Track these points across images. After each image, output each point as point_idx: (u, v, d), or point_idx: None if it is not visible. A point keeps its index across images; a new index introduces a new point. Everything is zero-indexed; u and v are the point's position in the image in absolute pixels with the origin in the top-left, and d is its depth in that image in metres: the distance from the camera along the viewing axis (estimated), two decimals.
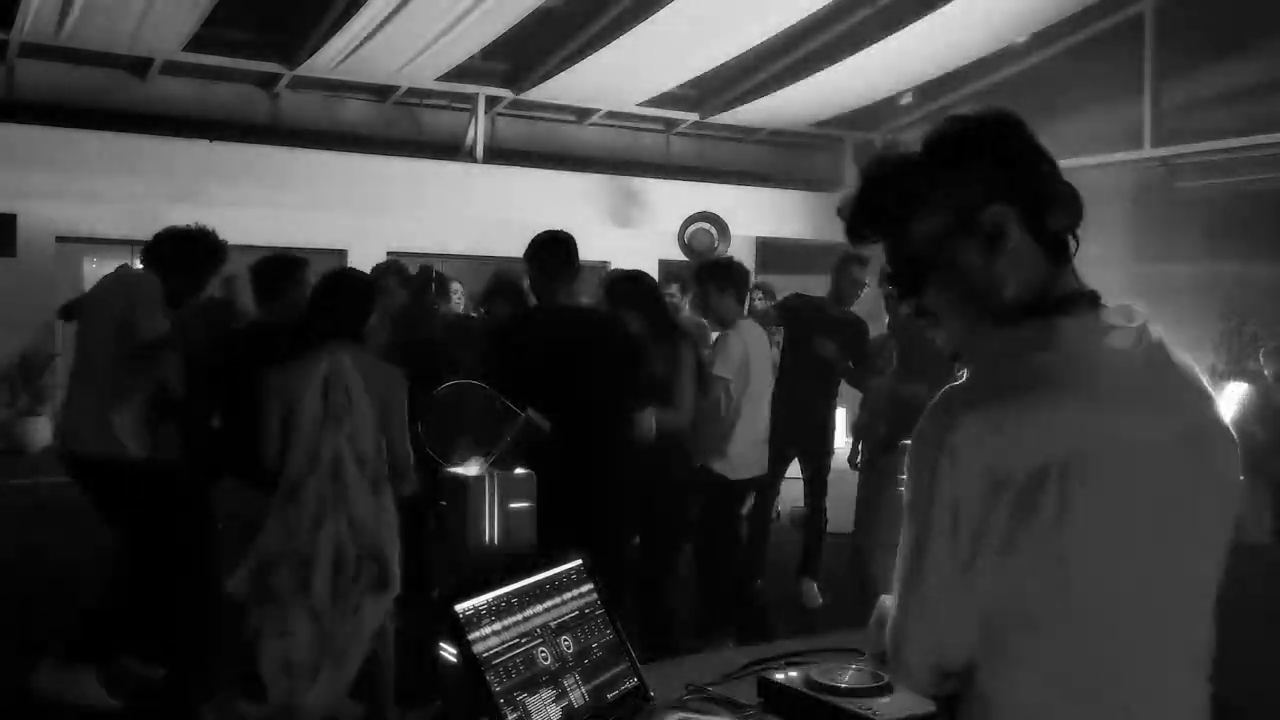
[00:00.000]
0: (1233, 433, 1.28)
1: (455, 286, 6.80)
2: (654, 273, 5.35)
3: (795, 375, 5.99)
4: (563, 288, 3.80)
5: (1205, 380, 1.28)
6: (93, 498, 4.12)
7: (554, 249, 3.80)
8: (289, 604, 3.42)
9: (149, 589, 4.10)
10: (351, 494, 3.45)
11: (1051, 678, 1.19)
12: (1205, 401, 1.26)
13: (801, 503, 6.16)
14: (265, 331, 4.14)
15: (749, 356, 4.74)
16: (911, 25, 8.80)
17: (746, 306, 5.14)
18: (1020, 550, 1.15)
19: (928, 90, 10.57)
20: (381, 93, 9.76)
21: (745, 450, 4.76)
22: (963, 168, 1.27)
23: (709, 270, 4.98)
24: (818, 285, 6.19)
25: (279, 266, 4.25)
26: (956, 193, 1.26)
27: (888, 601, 1.35)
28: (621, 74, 9.30)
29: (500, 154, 9.98)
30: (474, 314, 6.07)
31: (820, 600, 5.83)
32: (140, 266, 4.38)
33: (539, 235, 3.85)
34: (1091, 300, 1.27)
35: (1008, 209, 1.25)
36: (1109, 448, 1.16)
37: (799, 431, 5.90)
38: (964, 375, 1.25)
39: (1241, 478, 1.28)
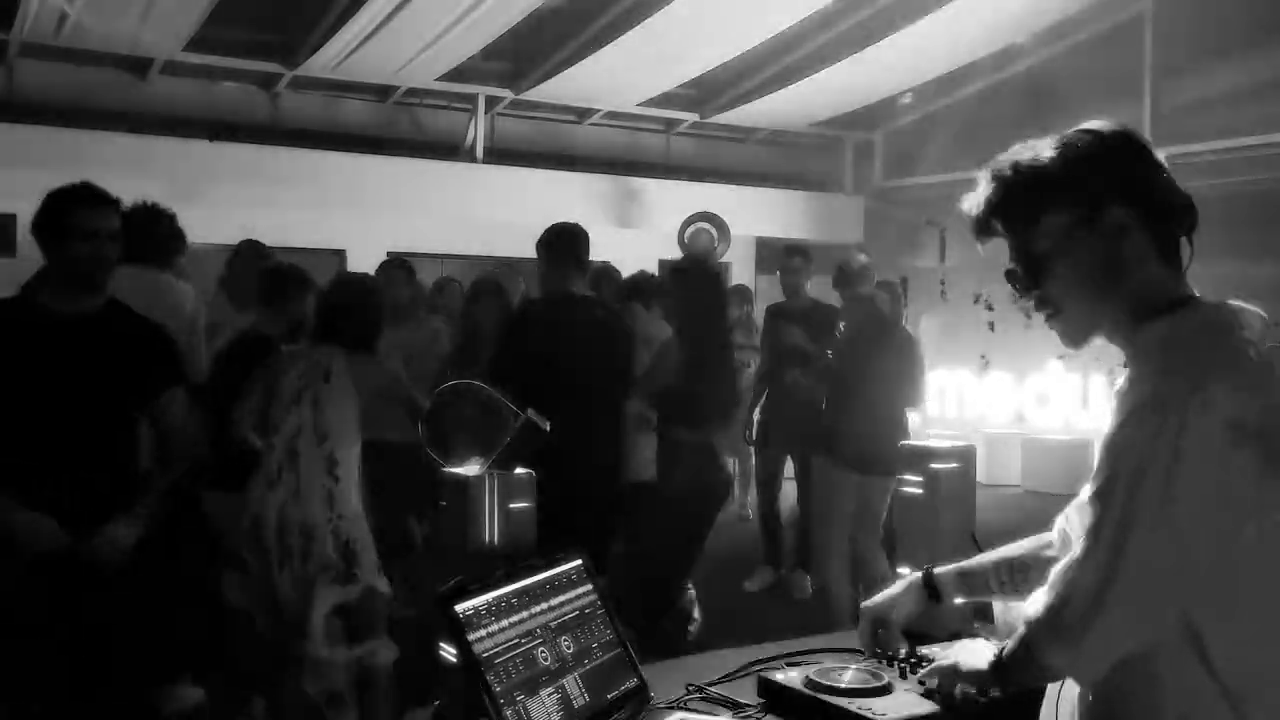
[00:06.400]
0: None
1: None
2: (654, 273, 5.45)
3: (781, 379, 6.12)
4: (576, 278, 3.93)
5: None
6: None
7: (571, 240, 3.95)
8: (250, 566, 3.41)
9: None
10: (303, 464, 3.38)
11: (1247, 659, 1.29)
12: None
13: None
14: (255, 343, 4.10)
15: None
16: (911, 25, 8.78)
17: None
18: (1264, 506, 1.26)
19: (928, 90, 10.56)
20: (381, 93, 9.75)
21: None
22: (1092, 170, 1.40)
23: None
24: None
25: (285, 279, 4.23)
26: (1085, 192, 1.40)
27: (997, 607, 1.61)
28: (621, 74, 9.29)
29: (500, 154, 9.97)
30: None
31: (810, 591, 5.95)
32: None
33: (554, 226, 3.99)
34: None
35: (1130, 210, 1.38)
36: None
37: (794, 433, 6.00)
38: (1125, 374, 1.37)
39: None
